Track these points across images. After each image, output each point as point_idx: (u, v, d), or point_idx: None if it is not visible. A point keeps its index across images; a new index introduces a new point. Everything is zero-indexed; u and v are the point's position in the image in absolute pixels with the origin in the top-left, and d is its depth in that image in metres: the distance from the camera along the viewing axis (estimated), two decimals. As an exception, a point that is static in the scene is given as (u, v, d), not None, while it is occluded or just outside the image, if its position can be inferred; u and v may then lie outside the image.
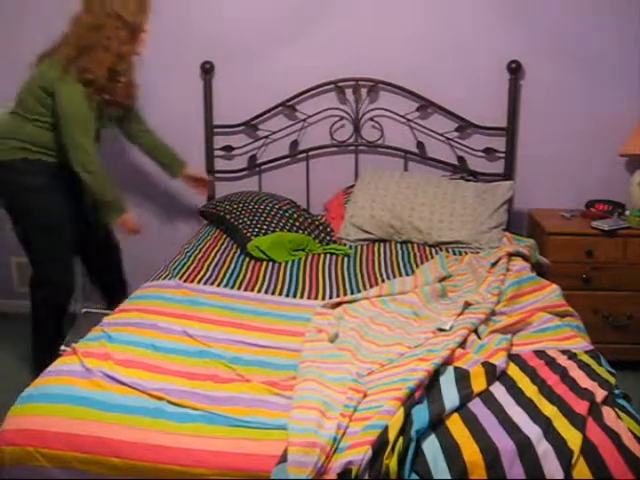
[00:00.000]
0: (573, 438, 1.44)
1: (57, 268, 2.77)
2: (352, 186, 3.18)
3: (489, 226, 2.87)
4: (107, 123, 2.82)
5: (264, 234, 2.77)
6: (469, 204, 2.93)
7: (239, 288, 2.37)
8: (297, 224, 2.88)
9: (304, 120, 3.25)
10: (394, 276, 2.49)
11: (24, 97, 2.66)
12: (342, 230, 2.97)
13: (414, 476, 1.41)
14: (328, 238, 2.89)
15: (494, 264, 2.41)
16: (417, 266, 2.59)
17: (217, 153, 3.33)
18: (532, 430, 1.47)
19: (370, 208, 2.96)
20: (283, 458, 1.41)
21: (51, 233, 2.72)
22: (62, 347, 2.34)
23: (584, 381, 1.66)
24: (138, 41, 2.64)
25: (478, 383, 1.64)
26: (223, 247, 2.81)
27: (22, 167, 2.66)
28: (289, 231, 2.83)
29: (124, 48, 2.60)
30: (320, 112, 3.23)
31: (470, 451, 1.43)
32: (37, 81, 2.63)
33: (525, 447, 1.43)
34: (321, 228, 2.93)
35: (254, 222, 2.83)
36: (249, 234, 2.78)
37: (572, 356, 1.80)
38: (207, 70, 3.24)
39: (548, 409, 1.55)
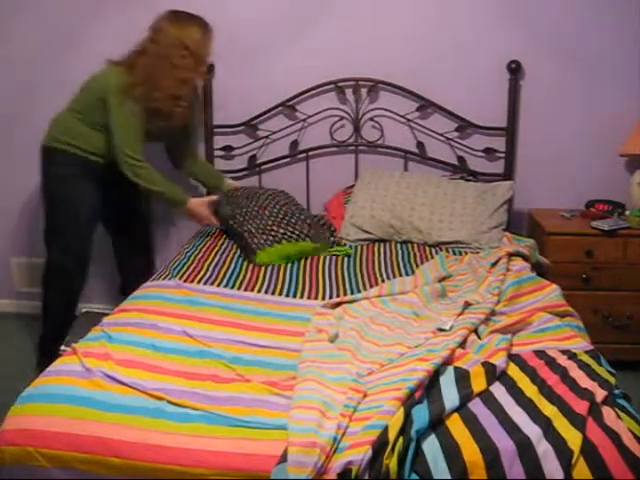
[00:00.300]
0: (573, 438, 1.44)
1: (70, 259, 2.81)
2: (352, 186, 3.18)
3: (489, 226, 2.87)
4: (155, 140, 2.91)
5: (269, 245, 2.68)
6: (469, 204, 2.93)
7: (239, 288, 2.37)
8: (304, 232, 2.77)
9: (304, 120, 3.25)
10: (394, 276, 2.49)
11: (79, 90, 2.78)
12: (342, 230, 2.97)
13: (414, 476, 1.41)
14: (332, 240, 2.88)
15: (494, 264, 2.41)
16: (417, 266, 2.59)
17: (217, 153, 3.33)
18: (532, 430, 1.47)
19: (370, 208, 2.96)
20: (283, 458, 1.41)
21: (68, 224, 2.78)
22: (62, 347, 2.34)
23: (584, 381, 1.66)
24: (203, 67, 2.78)
25: (478, 383, 1.65)
26: (223, 247, 2.81)
27: (50, 155, 2.78)
28: (296, 240, 2.74)
29: (189, 75, 2.72)
30: (320, 112, 3.23)
31: (470, 451, 1.43)
32: (94, 83, 2.74)
33: (525, 447, 1.43)
34: (325, 228, 2.92)
35: (259, 230, 2.74)
36: (254, 245, 2.68)
37: (572, 356, 1.80)
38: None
39: (548, 409, 1.55)
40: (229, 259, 2.66)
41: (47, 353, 2.86)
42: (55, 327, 2.89)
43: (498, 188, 3.00)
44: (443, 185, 3.03)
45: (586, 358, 1.80)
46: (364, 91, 3.20)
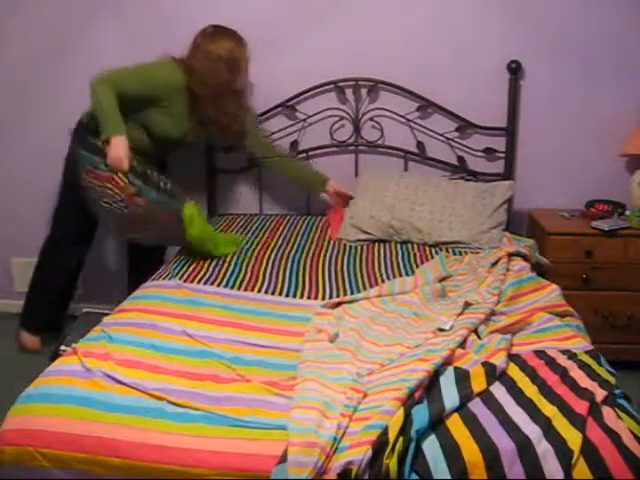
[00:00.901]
0: (573, 438, 1.44)
1: (66, 238, 2.92)
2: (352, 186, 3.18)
3: (489, 226, 2.87)
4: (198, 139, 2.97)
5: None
6: (469, 204, 2.93)
7: (239, 288, 2.37)
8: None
9: (304, 120, 3.25)
10: (394, 276, 2.49)
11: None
12: (342, 231, 2.97)
13: (414, 476, 1.41)
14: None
15: (494, 264, 2.41)
16: (417, 266, 2.58)
17: (218, 152, 3.33)
18: (532, 430, 1.47)
19: (370, 209, 2.96)
20: (283, 458, 1.41)
21: (68, 203, 2.87)
22: (62, 347, 2.35)
23: (584, 381, 1.66)
24: (240, 72, 2.83)
25: (478, 383, 1.65)
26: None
27: (81, 130, 2.81)
28: None
29: (235, 86, 2.83)
30: (320, 112, 3.23)
31: (470, 451, 1.43)
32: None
33: (525, 447, 1.43)
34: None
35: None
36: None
37: (572, 356, 1.80)
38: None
39: (548, 409, 1.55)
40: (229, 259, 2.66)
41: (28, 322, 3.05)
42: (39, 301, 3.03)
43: (498, 188, 3.00)
44: (443, 185, 3.03)
45: (586, 358, 1.80)
46: (364, 91, 3.19)
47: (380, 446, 1.41)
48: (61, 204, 2.92)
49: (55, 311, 3.06)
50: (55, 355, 2.14)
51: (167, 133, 2.83)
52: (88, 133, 2.71)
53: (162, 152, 2.95)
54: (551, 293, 2.19)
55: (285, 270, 2.56)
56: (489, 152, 3.20)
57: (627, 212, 2.98)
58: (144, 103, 2.75)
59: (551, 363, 1.77)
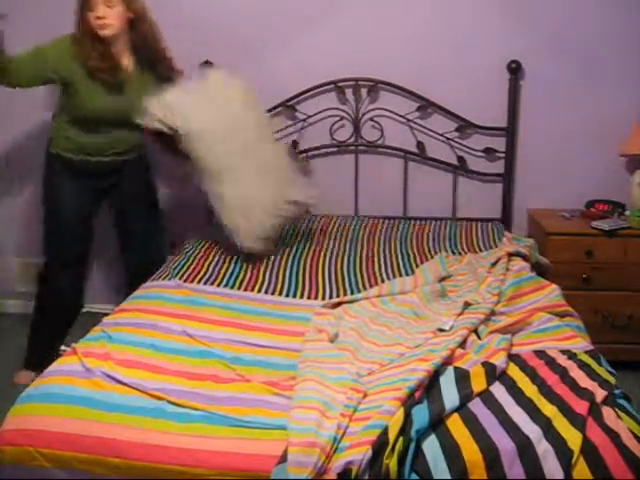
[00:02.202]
0: (573, 438, 1.44)
1: (54, 265, 2.83)
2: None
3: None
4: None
5: None
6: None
7: (239, 288, 2.37)
8: None
9: (304, 120, 3.25)
10: (394, 276, 2.49)
11: None
12: None
13: (414, 476, 1.41)
14: None
15: (494, 264, 2.41)
16: (417, 266, 2.59)
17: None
18: (532, 430, 1.47)
19: None
20: (283, 458, 1.42)
21: (52, 226, 2.80)
22: (62, 347, 2.34)
23: (584, 381, 1.66)
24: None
25: (478, 383, 1.65)
26: (223, 247, 2.80)
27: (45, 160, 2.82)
28: None
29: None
30: (320, 112, 3.23)
31: (470, 451, 1.43)
32: None
33: (525, 447, 1.43)
34: None
35: None
36: None
37: (572, 356, 1.81)
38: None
39: (548, 409, 1.55)
40: (229, 259, 2.66)
41: (36, 356, 2.87)
42: (43, 330, 2.91)
43: None
44: None
45: (586, 358, 1.80)
46: (364, 91, 3.19)
47: (380, 446, 1.41)
48: (44, 227, 2.85)
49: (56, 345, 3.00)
50: (55, 355, 2.13)
51: (94, 107, 2.69)
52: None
53: (104, 142, 2.78)
54: (551, 293, 2.19)
55: (285, 270, 2.56)
56: (489, 152, 3.20)
57: (627, 212, 2.98)
58: (60, 88, 2.74)
59: (551, 363, 1.77)
